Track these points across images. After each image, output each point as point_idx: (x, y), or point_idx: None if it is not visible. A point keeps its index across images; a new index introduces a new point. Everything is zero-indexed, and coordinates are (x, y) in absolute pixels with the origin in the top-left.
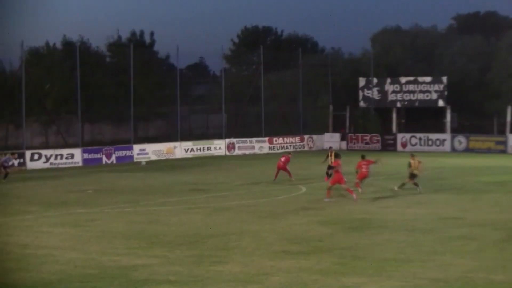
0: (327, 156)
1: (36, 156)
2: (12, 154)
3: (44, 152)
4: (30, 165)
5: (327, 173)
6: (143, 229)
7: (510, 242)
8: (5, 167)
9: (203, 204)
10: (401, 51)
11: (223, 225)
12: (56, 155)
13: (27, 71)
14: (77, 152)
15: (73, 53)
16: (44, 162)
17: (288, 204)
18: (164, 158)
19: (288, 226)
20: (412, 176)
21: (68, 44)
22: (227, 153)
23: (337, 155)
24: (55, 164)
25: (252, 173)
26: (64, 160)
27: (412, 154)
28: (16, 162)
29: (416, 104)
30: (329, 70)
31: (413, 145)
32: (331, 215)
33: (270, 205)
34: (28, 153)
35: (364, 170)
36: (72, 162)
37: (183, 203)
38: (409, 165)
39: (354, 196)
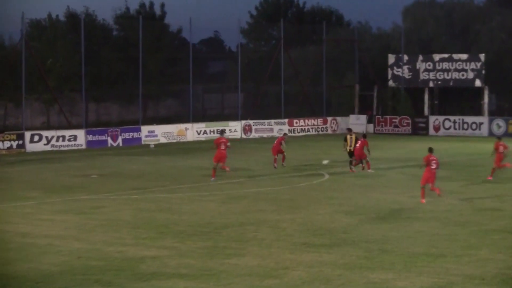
0: (345, 140)
1: (36, 138)
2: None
3: (45, 133)
4: (30, 147)
5: (350, 162)
6: (152, 218)
7: None
8: None
9: (217, 191)
10: (435, 26)
11: (239, 215)
12: (58, 137)
13: (28, 45)
14: (80, 134)
15: (77, 26)
16: (45, 144)
17: (310, 192)
18: (175, 140)
19: (309, 216)
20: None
21: (72, 16)
22: (243, 136)
23: (364, 136)
24: (56, 146)
25: (270, 158)
26: (66, 142)
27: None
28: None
29: (451, 84)
30: (356, 46)
31: (447, 129)
32: (356, 205)
33: (290, 193)
34: (27, 134)
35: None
36: (75, 145)
37: (196, 190)
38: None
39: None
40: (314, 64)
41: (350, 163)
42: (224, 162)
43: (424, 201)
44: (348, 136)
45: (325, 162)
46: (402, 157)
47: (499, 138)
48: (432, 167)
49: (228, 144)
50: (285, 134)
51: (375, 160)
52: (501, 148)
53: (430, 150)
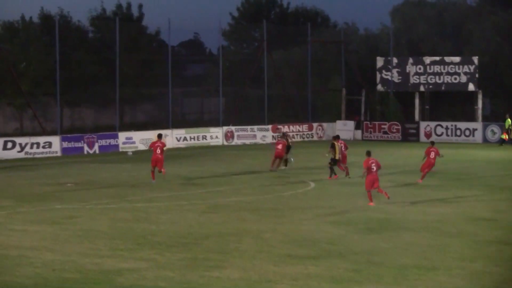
0: (333, 147)
1: (9, 145)
2: None
3: (19, 140)
4: (3, 154)
5: (331, 167)
6: (129, 228)
7: None
8: None
9: (197, 201)
10: (426, 27)
11: (220, 225)
12: (32, 144)
13: (0, 48)
14: (55, 140)
15: (51, 28)
16: (19, 151)
17: (294, 201)
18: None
19: (294, 226)
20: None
21: (46, 18)
22: (225, 143)
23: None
24: (30, 153)
25: (253, 166)
26: (41, 149)
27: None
28: None
29: (443, 88)
30: (342, 48)
31: (439, 135)
32: (343, 215)
33: (274, 202)
34: (0, 141)
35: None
36: (50, 152)
37: (175, 199)
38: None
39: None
40: (299, 67)
41: (332, 170)
42: (161, 166)
43: (373, 203)
44: (336, 144)
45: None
46: (391, 165)
47: (432, 143)
48: (373, 169)
49: (164, 148)
50: (284, 134)
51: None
52: (432, 154)
53: (368, 153)
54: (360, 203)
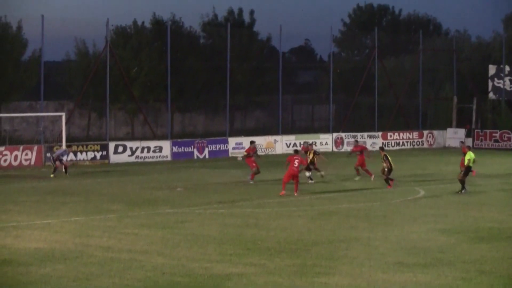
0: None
1: (120, 149)
2: (69, 147)
3: (129, 144)
4: (114, 158)
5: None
6: (239, 234)
7: None
8: (61, 161)
9: (306, 207)
10: None
11: (329, 231)
12: (143, 148)
13: (112, 53)
14: (166, 145)
15: (163, 33)
16: (129, 156)
17: (404, 208)
18: (263, 153)
19: (404, 234)
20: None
21: (158, 23)
22: (335, 149)
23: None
24: (141, 157)
25: (363, 172)
26: (151, 154)
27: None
28: (71, 155)
29: None
30: (454, 56)
31: None
32: (453, 223)
33: (384, 210)
34: (111, 145)
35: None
36: (160, 156)
37: (284, 205)
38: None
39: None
40: (410, 74)
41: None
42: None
43: (283, 193)
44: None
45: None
46: (502, 174)
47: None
48: (295, 165)
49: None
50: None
51: (474, 176)
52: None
53: (295, 151)
54: (471, 212)
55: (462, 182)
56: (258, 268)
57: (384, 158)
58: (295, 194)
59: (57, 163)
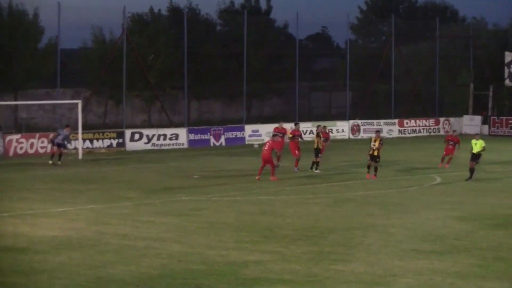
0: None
1: (136, 136)
2: (67, 126)
3: (146, 131)
4: (130, 146)
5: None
6: (255, 221)
7: None
8: (59, 146)
9: (323, 194)
10: None
11: (345, 219)
12: (159, 135)
13: (129, 40)
14: (182, 132)
15: (180, 20)
16: (146, 143)
17: (420, 196)
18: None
19: (420, 221)
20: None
21: (174, 10)
22: (351, 136)
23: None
24: (157, 145)
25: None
26: (167, 141)
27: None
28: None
29: None
30: (471, 43)
31: None
32: (470, 210)
33: (400, 197)
34: (128, 132)
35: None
36: (176, 144)
37: (301, 192)
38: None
39: None
40: (426, 61)
41: (368, 167)
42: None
43: (258, 178)
44: (373, 138)
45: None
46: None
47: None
48: (265, 148)
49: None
50: (281, 135)
51: (491, 163)
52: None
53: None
54: (487, 199)
55: (472, 170)
56: (275, 255)
57: (380, 142)
58: (271, 179)
59: (55, 148)
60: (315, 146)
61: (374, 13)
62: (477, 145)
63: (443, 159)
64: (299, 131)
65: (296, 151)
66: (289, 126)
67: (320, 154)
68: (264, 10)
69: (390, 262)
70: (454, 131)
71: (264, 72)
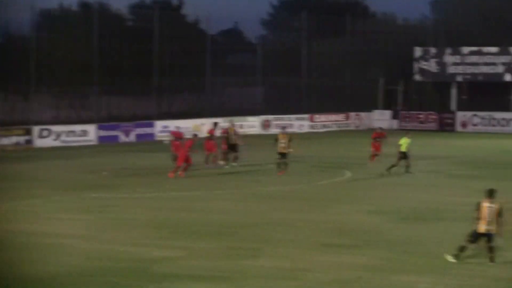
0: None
1: (45, 133)
2: None
3: (54, 128)
4: (38, 142)
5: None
6: (165, 217)
7: None
8: None
9: (234, 190)
10: (466, 17)
11: (255, 214)
12: (68, 132)
13: (38, 36)
14: (91, 129)
15: (90, 16)
16: (54, 140)
17: (330, 190)
18: (191, 136)
19: (329, 216)
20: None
21: (85, 6)
22: (263, 132)
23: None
24: (66, 142)
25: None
26: (76, 138)
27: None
28: None
29: (480, 78)
30: (381, 38)
31: (475, 125)
32: (378, 204)
33: (310, 192)
34: (36, 129)
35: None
36: (85, 140)
37: (211, 188)
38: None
39: None
40: (338, 57)
41: (279, 165)
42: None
43: (173, 175)
44: (281, 135)
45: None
46: (428, 155)
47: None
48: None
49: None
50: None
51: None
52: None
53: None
54: (396, 193)
55: (396, 165)
56: (184, 251)
57: (289, 139)
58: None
59: None
60: (231, 142)
61: (286, 9)
62: (406, 144)
63: (373, 155)
64: (214, 129)
65: (213, 148)
66: (199, 122)
67: (234, 150)
68: (175, 6)
69: (299, 256)
70: (380, 127)
71: (176, 68)
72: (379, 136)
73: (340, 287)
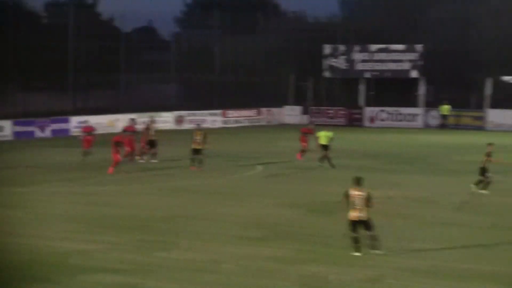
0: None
1: None
2: None
3: None
4: None
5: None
6: (82, 211)
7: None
8: None
9: (149, 184)
10: (374, 16)
11: (170, 207)
12: None
13: None
14: (7, 124)
15: (4, 12)
16: None
17: (244, 184)
18: (106, 132)
19: (245, 209)
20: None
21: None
22: (176, 127)
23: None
24: None
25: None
26: None
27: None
28: None
29: (387, 74)
30: (292, 35)
31: (382, 120)
32: (292, 197)
33: (224, 186)
34: None
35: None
36: (1, 136)
37: (126, 183)
38: None
39: None
40: (250, 54)
41: (193, 160)
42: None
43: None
44: (198, 132)
45: (81, 137)
46: (337, 149)
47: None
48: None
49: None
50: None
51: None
52: None
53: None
54: (307, 187)
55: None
56: (101, 245)
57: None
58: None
59: None
60: (150, 138)
61: (199, 7)
62: (325, 137)
63: (301, 151)
64: (133, 126)
65: (131, 145)
66: (114, 118)
67: (152, 146)
68: (90, 3)
69: (213, 248)
70: (310, 123)
71: (91, 64)
72: (308, 131)
73: (253, 278)
